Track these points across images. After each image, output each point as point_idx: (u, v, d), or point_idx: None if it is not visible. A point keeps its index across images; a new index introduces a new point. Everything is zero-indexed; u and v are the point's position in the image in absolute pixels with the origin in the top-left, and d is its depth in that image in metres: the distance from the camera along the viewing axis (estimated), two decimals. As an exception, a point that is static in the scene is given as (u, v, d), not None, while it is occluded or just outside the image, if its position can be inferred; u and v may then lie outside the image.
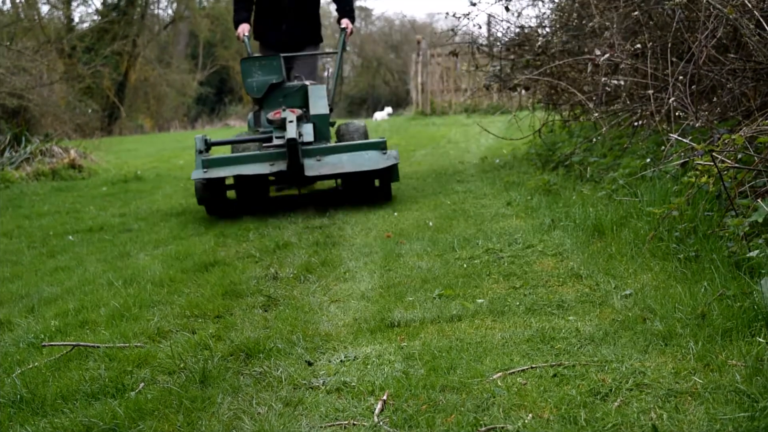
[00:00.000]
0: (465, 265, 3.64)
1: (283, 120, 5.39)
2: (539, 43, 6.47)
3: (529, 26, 7.01)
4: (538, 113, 7.50)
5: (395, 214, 5.20)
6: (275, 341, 2.78)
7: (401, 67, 30.05)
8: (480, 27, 13.11)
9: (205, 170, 5.13)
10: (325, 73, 7.70)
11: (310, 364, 2.57)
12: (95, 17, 25.74)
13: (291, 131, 5.09)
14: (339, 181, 5.96)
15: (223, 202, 5.48)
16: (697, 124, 4.14)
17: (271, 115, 5.50)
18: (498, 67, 7.10)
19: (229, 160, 5.19)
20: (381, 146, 5.28)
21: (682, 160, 3.92)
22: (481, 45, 7.49)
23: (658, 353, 2.37)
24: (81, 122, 17.44)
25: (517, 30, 7.06)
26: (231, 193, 6.11)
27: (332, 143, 5.43)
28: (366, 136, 5.97)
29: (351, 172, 5.19)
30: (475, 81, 14.92)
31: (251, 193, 5.47)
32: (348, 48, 6.45)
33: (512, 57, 7.08)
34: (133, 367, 2.68)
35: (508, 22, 7.31)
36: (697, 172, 3.29)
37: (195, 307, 3.33)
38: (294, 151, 5.09)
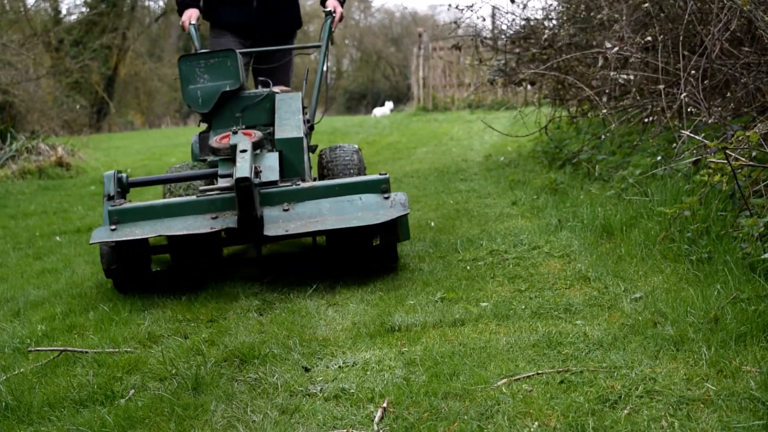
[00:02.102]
0: (468, 267, 3.64)
1: (233, 148, 3.64)
2: (546, 36, 6.47)
3: (535, 18, 7.02)
4: (545, 109, 7.50)
5: (396, 214, 5.19)
6: (271, 346, 2.79)
7: (402, 61, 30.06)
8: (484, 19, 13.14)
9: (113, 227, 3.52)
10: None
11: (307, 370, 2.58)
12: (83, 9, 25.74)
13: (243, 167, 3.43)
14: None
15: (143, 274, 3.81)
16: (709, 121, 4.15)
17: (215, 141, 3.83)
18: (503, 61, 7.10)
19: (150, 212, 3.56)
20: (381, 186, 3.56)
21: (695, 158, 3.93)
22: (485, 38, 7.49)
23: (670, 359, 2.37)
24: (69, 118, 17.45)
25: (523, 22, 7.06)
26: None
27: (309, 182, 3.69)
28: (360, 168, 4.21)
29: (335, 229, 3.47)
30: (478, 75, 14.92)
31: (194, 258, 3.82)
32: (335, 41, 4.97)
33: (517, 50, 7.09)
34: (123, 373, 2.68)
35: (513, 14, 7.32)
36: (710, 171, 3.29)
37: (187, 311, 3.33)
38: (247, 197, 3.39)
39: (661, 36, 4.80)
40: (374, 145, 10.43)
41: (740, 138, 3.26)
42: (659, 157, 4.50)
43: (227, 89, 4.02)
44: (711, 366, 2.27)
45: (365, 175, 4.19)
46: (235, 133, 3.78)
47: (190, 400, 2.38)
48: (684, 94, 4.29)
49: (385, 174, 3.59)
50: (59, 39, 22.62)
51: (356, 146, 4.36)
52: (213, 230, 3.43)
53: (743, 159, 3.21)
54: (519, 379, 2.32)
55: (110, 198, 3.68)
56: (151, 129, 24.71)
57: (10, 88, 13.22)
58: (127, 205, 3.60)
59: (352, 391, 2.34)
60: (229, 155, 3.70)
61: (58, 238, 5.47)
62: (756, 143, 3.25)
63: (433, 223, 4.70)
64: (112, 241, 3.56)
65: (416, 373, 2.43)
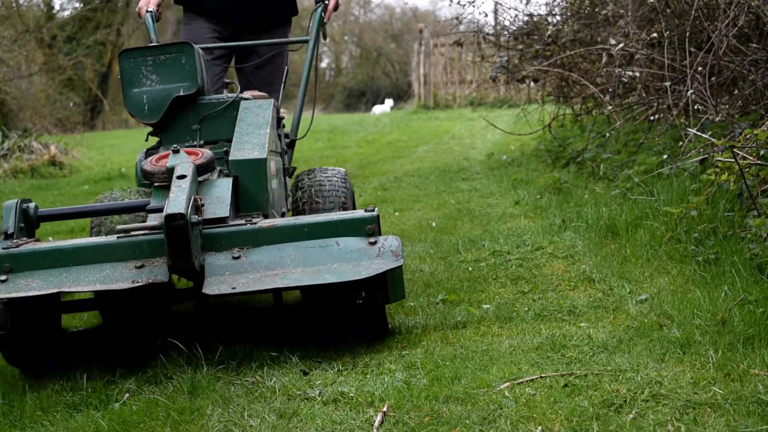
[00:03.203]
0: (470, 268, 3.65)
1: (170, 172, 2.82)
2: (549, 32, 6.47)
3: (539, 14, 7.02)
4: (548, 107, 7.50)
5: (396, 213, 5.20)
6: (269, 349, 2.78)
7: (402, 58, 30.06)
8: (486, 15, 13.14)
9: (3, 278, 2.66)
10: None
11: (305, 373, 2.57)
12: (77, 5, 25.73)
13: (176, 199, 2.59)
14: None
15: (50, 340, 2.94)
16: (717, 118, 4.15)
17: (150, 162, 3.01)
18: (505, 58, 7.10)
19: (55, 257, 2.71)
20: (366, 228, 2.72)
21: (701, 157, 3.92)
22: (488, 34, 7.49)
23: (676, 362, 2.37)
24: (62, 116, 17.45)
25: (526, 18, 7.06)
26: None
27: (271, 220, 2.82)
28: (348, 199, 3.33)
29: (303, 285, 2.65)
30: (480, 72, 14.92)
31: (131, 315, 2.89)
32: (327, 34, 4.12)
33: (520, 47, 7.09)
34: (118, 377, 2.68)
35: (516, 9, 7.33)
36: (717, 170, 3.29)
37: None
38: (179, 240, 2.55)
39: (667, 32, 4.80)
40: (374, 144, 10.43)
41: (748, 136, 3.26)
42: (665, 156, 4.50)
43: (181, 94, 3.21)
44: (718, 369, 2.27)
45: (355, 209, 3.35)
46: (175, 151, 2.92)
47: (185, 404, 2.38)
48: (690, 91, 4.29)
49: (373, 209, 2.73)
50: (52, 35, 22.61)
51: (344, 170, 3.43)
52: (135, 285, 2.57)
53: (751, 158, 3.21)
54: (522, 382, 2.32)
55: (7, 236, 2.81)
56: (146, 127, 24.70)
57: (2, 85, 13.23)
58: (25, 247, 2.71)
59: (351, 394, 2.34)
60: (166, 182, 2.84)
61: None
62: (764, 141, 3.25)
63: (434, 224, 4.70)
64: (4, 299, 2.64)
65: (417, 377, 2.43)
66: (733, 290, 2.79)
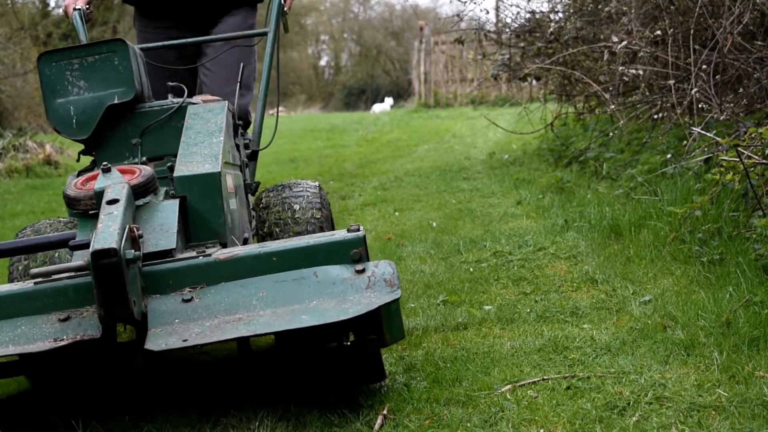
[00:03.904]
0: (471, 269, 3.64)
1: (99, 197, 2.32)
2: (551, 29, 6.47)
3: (541, 11, 7.02)
4: (550, 105, 7.50)
5: (396, 213, 5.20)
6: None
7: (403, 56, 30.06)
8: (488, 12, 13.12)
9: None
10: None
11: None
12: (72, 2, 25.71)
13: (105, 231, 2.10)
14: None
15: None
16: (721, 117, 4.15)
17: (75, 185, 2.46)
18: (507, 56, 7.10)
19: None
20: (351, 252, 2.23)
21: (706, 156, 3.93)
22: (489, 32, 7.49)
23: (680, 364, 2.37)
24: (57, 115, 17.42)
25: (528, 15, 7.07)
26: None
27: (231, 250, 2.33)
28: (325, 219, 2.86)
29: (274, 332, 2.11)
30: (482, 70, 14.92)
31: (63, 377, 2.56)
32: (288, 27, 3.67)
33: (522, 44, 7.09)
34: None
35: (517, 6, 7.34)
36: (722, 169, 3.29)
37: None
38: (113, 283, 2.05)
39: (671, 29, 4.80)
40: (374, 143, 10.43)
41: (753, 135, 3.26)
42: (669, 155, 4.50)
43: (115, 102, 2.69)
44: (723, 371, 2.27)
45: (333, 229, 2.88)
46: (105, 170, 2.39)
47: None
48: (695, 89, 4.29)
49: (358, 229, 2.24)
50: (47, 33, 22.61)
51: (316, 183, 2.97)
52: (58, 344, 2.08)
53: (756, 157, 3.21)
54: (524, 385, 2.32)
55: None
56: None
57: (-3, 83, 13.23)
58: None
59: (350, 397, 2.34)
60: (95, 209, 2.32)
61: None
62: (769, 140, 3.25)
63: (435, 224, 4.70)
64: None
65: (417, 379, 2.43)
66: (738, 291, 2.79)
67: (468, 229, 4.50)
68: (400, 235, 4.50)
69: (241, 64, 3.31)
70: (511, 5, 7.24)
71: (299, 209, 2.80)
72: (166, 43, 3.40)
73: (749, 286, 2.80)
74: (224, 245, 2.40)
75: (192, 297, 2.16)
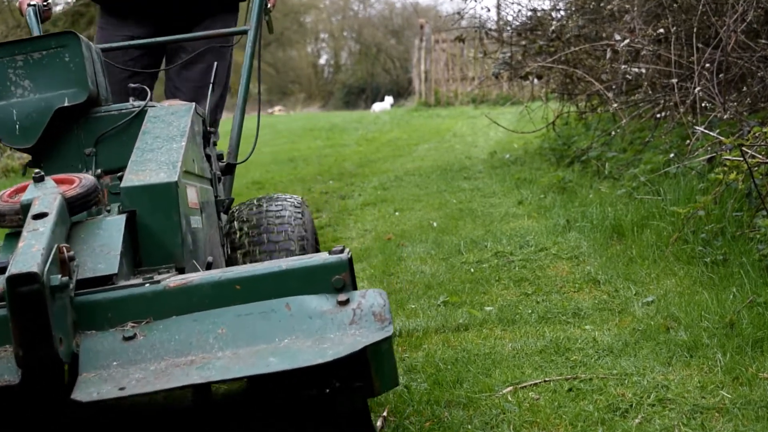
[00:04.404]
0: (472, 270, 3.64)
1: (26, 210, 1.95)
2: (553, 27, 6.47)
3: (543, 9, 7.02)
4: (552, 104, 7.50)
5: (396, 213, 5.20)
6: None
7: (403, 54, 30.07)
8: (489, 10, 13.13)
9: None
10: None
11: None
12: (69, 0, 25.74)
13: (25, 253, 1.70)
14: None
15: None
16: (725, 116, 4.15)
17: (1, 198, 2.14)
18: (508, 54, 7.10)
19: None
20: (332, 278, 1.82)
21: (709, 155, 3.92)
22: (490, 30, 7.49)
23: (683, 365, 2.37)
24: (54, 114, 17.45)
25: (529, 13, 7.07)
26: None
27: (186, 277, 1.88)
28: (307, 241, 2.56)
29: (234, 378, 1.74)
30: (483, 69, 14.92)
31: None
32: (272, 26, 3.44)
33: (524, 43, 7.09)
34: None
35: (519, 4, 7.34)
36: (725, 168, 3.29)
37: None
38: (33, 315, 1.63)
39: (674, 27, 4.80)
40: (374, 142, 10.43)
41: (757, 134, 3.26)
42: (672, 155, 4.50)
43: (65, 105, 2.37)
44: (726, 373, 2.27)
45: (318, 251, 2.60)
46: (38, 179, 2.05)
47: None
48: (698, 88, 4.29)
49: (342, 249, 1.84)
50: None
51: (299, 198, 2.67)
52: None
53: (760, 156, 3.21)
54: (525, 386, 2.32)
55: None
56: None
57: (-7, 82, 13.21)
58: None
59: (350, 399, 2.34)
60: (21, 225, 1.94)
61: None
62: (773, 140, 3.25)
63: (435, 224, 4.70)
64: None
65: (417, 381, 2.43)
66: (741, 292, 2.79)
67: (469, 229, 4.50)
68: (401, 235, 4.51)
69: (215, 64, 3.02)
70: (513, 3, 7.25)
71: (277, 227, 2.46)
72: (134, 42, 3.11)
73: (753, 287, 2.80)
74: (181, 270, 2.00)
75: (135, 334, 1.74)
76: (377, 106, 19.02)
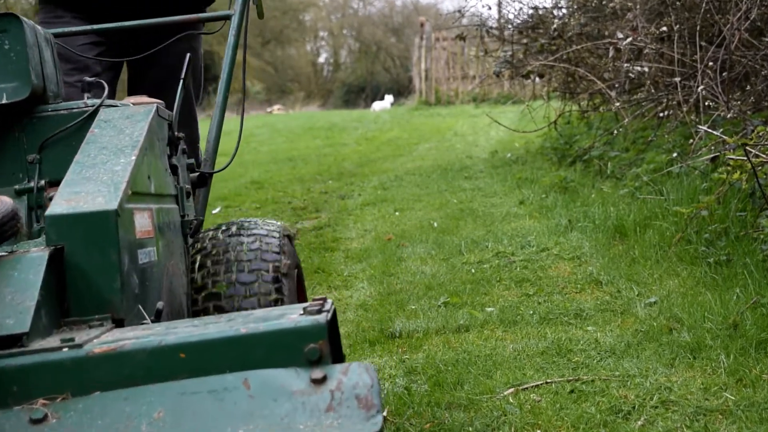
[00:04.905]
0: (473, 270, 3.65)
1: None
2: (555, 25, 6.48)
3: (544, 7, 7.02)
4: (554, 103, 7.51)
5: (396, 213, 5.20)
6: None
7: (403, 53, 30.09)
8: (490, 8, 13.14)
9: None
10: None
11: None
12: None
13: None
14: None
15: None
16: (728, 115, 4.14)
17: None
18: (509, 52, 7.10)
19: None
20: (305, 349, 1.34)
21: (712, 155, 3.92)
22: (491, 28, 7.49)
23: (686, 367, 2.37)
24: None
25: (531, 11, 7.07)
26: None
27: (120, 338, 1.42)
28: (286, 278, 2.12)
29: None
30: (484, 67, 14.92)
31: None
32: (263, 14, 2.85)
33: (525, 41, 7.09)
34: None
35: (520, 2, 7.33)
36: (729, 168, 3.29)
37: None
38: None
39: (677, 25, 4.80)
40: (374, 141, 10.44)
41: (761, 133, 3.26)
42: (675, 154, 4.50)
43: (3, 101, 2.02)
44: (730, 374, 2.27)
45: (302, 285, 2.31)
46: None
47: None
48: (701, 87, 4.29)
49: (320, 306, 1.43)
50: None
51: (279, 225, 2.24)
52: None
53: (764, 156, 3.20)
54: (527, 388, 2.32)
55: None
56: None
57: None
58: None
59: (350, 401, 2.34)
60: None
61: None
62: (777, 139, 3.25)
63: (436, 224, 4.70)
64: None
65: (418, 382, 2.43)
66: (745, 293, 2.79)
67: (470, 229, 4.50)
68: (401, 235, 4.51)
69: (188, 56, 2.45)
70: (514, 1, 7.25)
71: (249, 264, 2.05)
72: (91, 27, 2.65)
73: (757, 288, 2.80)
74: (120, 322, 1.59)
75: (46, 415, 1.36)
76: (377, 105, 19.03)
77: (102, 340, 1.45)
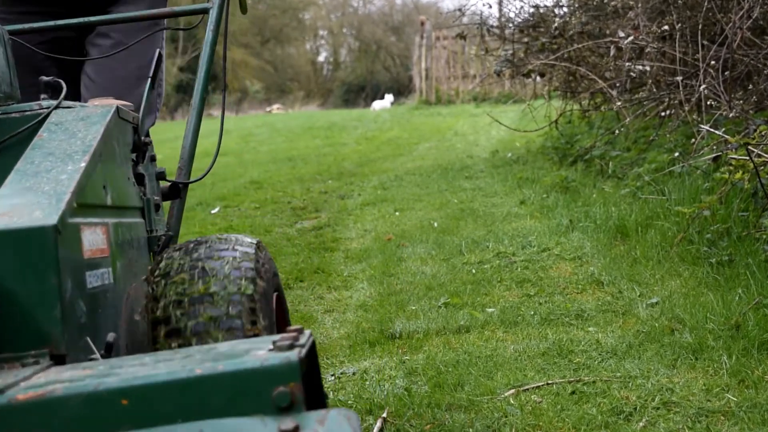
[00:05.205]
0: (474, 271, 3.64)
1: None
2: (556, 24, 6.48)
3: (545, 6, 7.02)
4: (555, 102, 7.51)
5: (396, 213, 5.20)
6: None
7: (403, 51, 30.09)
8: (490, 6, 13.14)
9: None
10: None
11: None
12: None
13: None
14: None
15: None
16: (730, 114, 4.14)
17: None
18: (510, 51, 7.10)
19: None
20: (273, 393, 1.08)
21: (714, 154, 3.92)
22: (492, 26, 7.49)
23: (688, 368, 2.37)
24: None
25: (532, 10, 7.07)
26: None
27: (46, 380, 1.14)
28: (261, 304, 1.68)
29: None
30: (484, 66, 14.92)
31: None
32: (246, 9, 2.64)
33: (526, 40, 7.09)
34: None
35: (521, 1, 7.32)
36: (731, 168, 3.29)
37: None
38: None
39: (679, 24, 4.80)
40: (374, 141, 10.44)
41: (763, 133, 3.26)
42: (677, 154, 4.50)
43: None
44: (732, 376, 2.27)
45: (283, 310, 1.93)
46: None
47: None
48: (703, 86, 4.29)
49: (295, 339, 1.18)
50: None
51: (254, 240, 1.83)
52: None
53: (766, 155, 3.21)
54: (528, 389, 2.32)
55: None
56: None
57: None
58: None
59: (349, 402, 2.34)
60: None
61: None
62: (780, 138, 3.25)
63: (436, 224, 4.70)
64: None
65: (418, 383, 2.43)
66: (747, 293, 2.79)
67: (470, 229, 4.50)
68: (401, 235, 4.51)
69: (157, 56, 2.13)
70: (515, -1, 7.25)
71: (218, 280, 1.69)
72: (45, 24, 2.39)
73: (759, 288, 2.80)
74: (60, 359, 1.36)
75: None
76: (377, 104, 19.03)
77: (31, 383, 1.19)
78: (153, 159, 2.01)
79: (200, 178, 2.30)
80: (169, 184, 2.15)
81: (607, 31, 5.95)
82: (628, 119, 5.43)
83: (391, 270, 3.80)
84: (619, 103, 5.49)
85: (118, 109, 1.76)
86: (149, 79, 2.03)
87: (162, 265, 1.76)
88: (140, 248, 1.81)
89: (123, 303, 1.62)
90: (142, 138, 1.91)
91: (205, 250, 1.76)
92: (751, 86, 4.57)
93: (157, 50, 2.13)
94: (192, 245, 1.80)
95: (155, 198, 1.97)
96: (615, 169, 5.15)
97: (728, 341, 2.47)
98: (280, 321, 1.85)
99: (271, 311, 1.74)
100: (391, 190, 6.18)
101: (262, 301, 1.70)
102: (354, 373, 2.59)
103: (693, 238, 3.44)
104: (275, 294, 1.81)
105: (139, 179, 1.88)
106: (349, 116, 15.77)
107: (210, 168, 2.32)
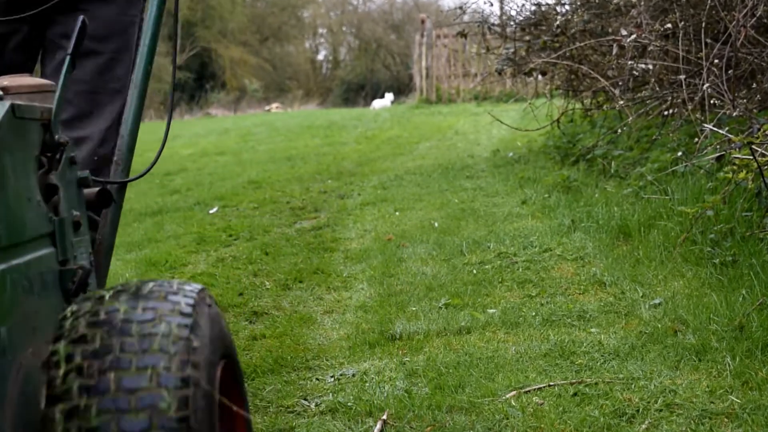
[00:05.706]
0: (474, 271, 3.64)
1: None
2: (558, 22, 6.47)
3: (547, 3, 7.02)
4: (557, 101, 7.51)
5: (397, 213, 5.20)
6: (262, 358, 2.79)
7: (403, 50, 30.10)
8: (491, 4, 13.13)
9: None
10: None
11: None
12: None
13: None
14: None
15: None
16: (734, 113, 4.14)
17: None
18: (512, 50, 7.10)
19: None
20: None
21: (718, 154, 3.92)
22: (493, 25, 7.49)
23: (691, 369, 2.37)
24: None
25: (533, 8, 7.07)
26: None
27: None
28: (200, 395, 1.19)
29: None
30: (486, 65, 14.92)
31: None
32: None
33: (527, 38, 7.09)
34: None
35: (522, -1, 7.32)
36: (735, 167, 3.29)
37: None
38: None
39: (682, 22, 4.80)
40: (373, 140, 10.44)
41: (767, 132, 3.26)
42: (680, 153, 4.50)
43: None
44: (735, 377, 2.27)
45: (237, 397, 1.45)
46: None
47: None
48: (706, 84, 4.29)
49: None
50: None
51: (198, 291, 1.34)
52: None
53: (770, 155, 3.21)
54: (529, 391, 2.32)
55: None
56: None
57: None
58: None
59: (349, 404, 2.34)
60: None
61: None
62: (784, 138, 3.25)
63: (436, 224, 4.70)
64: None
65: (419, 385, 2.43)
66: (751, 294, 2.79)
67: (471, 229, 4.50)
68: (401, 235, 4.51)
69: (81, 18, 1.55)
70: (516, -3, 7.25)
71: (139, 357, 1.21)
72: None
73: (763, 289, 2.80)
74: None
75: None
76: (377, 103, 19.04)
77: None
78: (73, 162, 1.53)
79: (141, 176, 1.96)
80: (96, 189, 1.66)
81: (610, 30, 5.95)
82: (630, 118, 5.43)
83: (391, 270, 3.80)
84: (621, 102, 5.49)
85: (13, 106, 1.27)
86: (68, 57, 1.51)
87: (69, 324, 1.27)
88: (47, 292, 1.32)
89: (12, 376, 1.16)
90: (56, 137, 1.43)
91: (124, 305, 1.28)
92: (754, 85, 4.57)
93: (80, 17, 1.56)
94: (108, 297, 1.30)
95: (74, 214, 1.48)
96: (617, 169, 5.15)
97: (732, 342, 2.47)
98: (233, 395, 1.43)
99: (214, 385, 1.29)
100: (391, 190, 6.18)
101: (199, 374, 1.23)
102: (354, 375, 2.59)
103: (696, 239, 3.44)
104: (222, 362, 1.36)
105: (51, 192, 1.41)
106: (348, 115, 15.77)
107: (150, 168, 1.96)
